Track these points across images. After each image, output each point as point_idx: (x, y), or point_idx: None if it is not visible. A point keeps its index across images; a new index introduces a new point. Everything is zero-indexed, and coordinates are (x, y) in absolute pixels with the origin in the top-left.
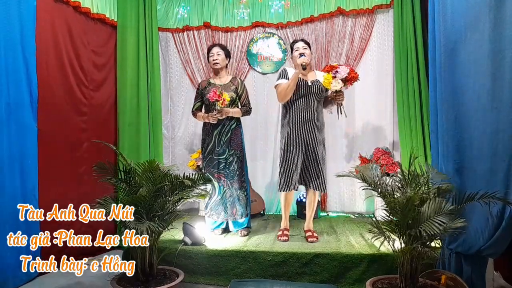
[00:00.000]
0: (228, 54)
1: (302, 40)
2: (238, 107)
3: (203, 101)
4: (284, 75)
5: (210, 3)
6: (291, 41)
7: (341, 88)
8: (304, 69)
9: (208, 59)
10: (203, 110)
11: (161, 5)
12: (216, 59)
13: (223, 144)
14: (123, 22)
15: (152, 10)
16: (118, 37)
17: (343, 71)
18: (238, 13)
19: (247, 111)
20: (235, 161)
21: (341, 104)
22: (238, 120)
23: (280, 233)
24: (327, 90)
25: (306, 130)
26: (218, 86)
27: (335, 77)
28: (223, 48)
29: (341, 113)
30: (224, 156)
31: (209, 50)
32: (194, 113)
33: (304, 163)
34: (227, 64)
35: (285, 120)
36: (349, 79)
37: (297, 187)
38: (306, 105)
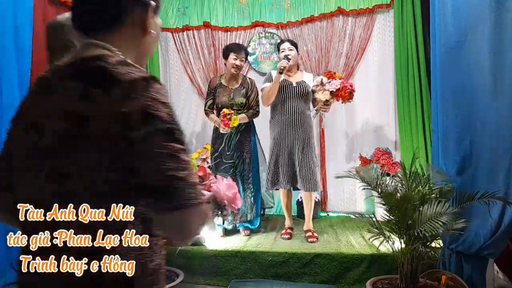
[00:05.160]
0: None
1: (289, 40)
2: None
3: (214, 99)
4: (269, 78)
5: (210, 3)
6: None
7: (328, 99)
8: (280, 73)
9: (227, 60)
10: (215, 112)
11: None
12: (238, 64)
13: (233, 148)
14: None
15: None
16: None
17: (334, 84)
18: (238, 13)
19: (254, 114)
20: (241, 163)
21: (320, 112)
22: (247, 122)
23: (283, 231)
24: (313, 92)
25: (292, 132)
26: (229, 89)
27: (323, 85)
28: (246, 51)
29: (313, 117)
30: (232, 161)
31: (229, 51)
32: (206, 112)
33: (292, 164)
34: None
35: (272, 122)
36: (336, 95)
37: (287, 187)
38: (291, 107)
